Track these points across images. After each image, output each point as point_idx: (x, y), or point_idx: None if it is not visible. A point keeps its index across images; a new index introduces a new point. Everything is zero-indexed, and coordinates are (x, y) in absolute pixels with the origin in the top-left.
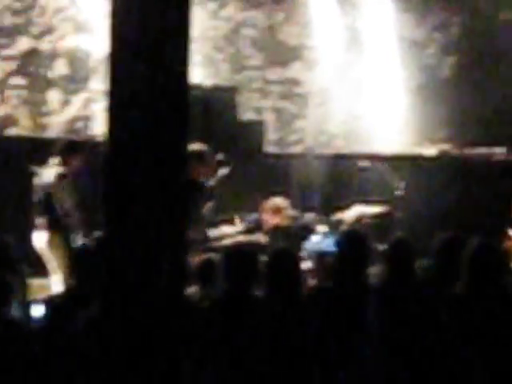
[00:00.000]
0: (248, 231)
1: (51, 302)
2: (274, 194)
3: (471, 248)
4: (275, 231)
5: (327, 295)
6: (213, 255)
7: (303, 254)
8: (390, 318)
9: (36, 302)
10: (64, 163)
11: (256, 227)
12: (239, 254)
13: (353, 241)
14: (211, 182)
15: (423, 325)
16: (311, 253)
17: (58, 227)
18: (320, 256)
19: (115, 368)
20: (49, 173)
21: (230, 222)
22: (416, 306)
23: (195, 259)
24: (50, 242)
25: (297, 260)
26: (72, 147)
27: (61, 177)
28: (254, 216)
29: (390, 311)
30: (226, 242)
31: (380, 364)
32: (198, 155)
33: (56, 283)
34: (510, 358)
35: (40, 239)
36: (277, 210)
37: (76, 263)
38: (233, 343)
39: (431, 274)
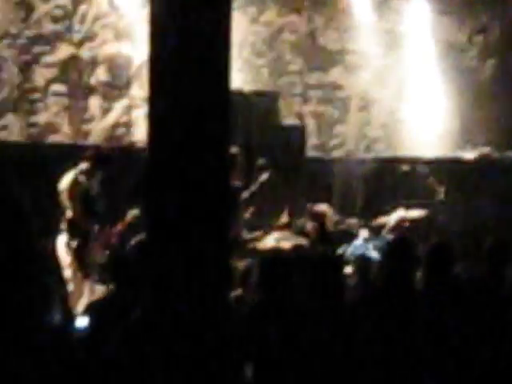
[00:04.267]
0: (292, 234)
1: (92, 310)
2: (318, 199)
3: None
4: (318, 236)
5: (375, 301)
6: (253, 260)
7: (345, 258)
8: (434, 323)
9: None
10: (89, 172)
11: (300, 231)
12: (273, 261)
13: (402, 247)
14: (252, 186)
15: (466, 329)
16: (353, 257)
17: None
18: (362, 261)
19: (162, 376)
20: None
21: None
22: (458, 309)
23: (238, 263)
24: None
25: (340, 266)
26: (99, 158)
27: (77, 183)
28: (299, 221)
29: (433, 316)
30: (267, 246)
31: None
32: (230, 157)
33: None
34: None
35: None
36: (321, 215)
37: (115, 270)
38: (268, 351)
39: (479, 277)
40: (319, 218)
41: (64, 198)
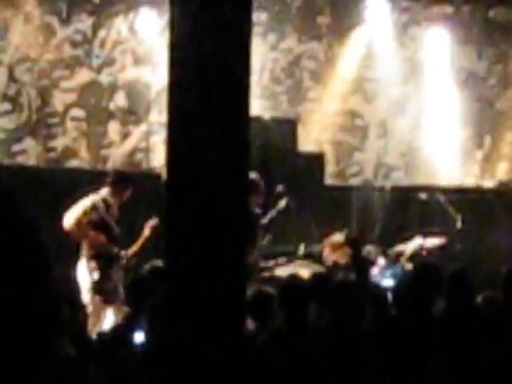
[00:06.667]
0: (310, 262)
1: (109, 333)
2: (337, 228)
3: None
4: (334, 267)
5: (393, 327)
6: (268, 287)
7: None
8: (451, 352)
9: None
10: (114, 194)
11: (317, 259)
12: (292, 288)
13: (427, 272)
14: (270, 213)
15: (487, 358)
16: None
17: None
18: (378, 289)
19: None
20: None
21: (290, 253)
22: (479, 338)
23: (251, 290)
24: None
25: (358, 292)
26: (123, 180)
27: (107, 207)
28: (315, 248)
29: (452, 344)
30: (283, 273)
31: None
32: (250, 184)
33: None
34: None
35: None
36: (337, 246)
37: (132, 292)
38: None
39: (497, 307)
40: (334, 248)
41: (77, 228)
